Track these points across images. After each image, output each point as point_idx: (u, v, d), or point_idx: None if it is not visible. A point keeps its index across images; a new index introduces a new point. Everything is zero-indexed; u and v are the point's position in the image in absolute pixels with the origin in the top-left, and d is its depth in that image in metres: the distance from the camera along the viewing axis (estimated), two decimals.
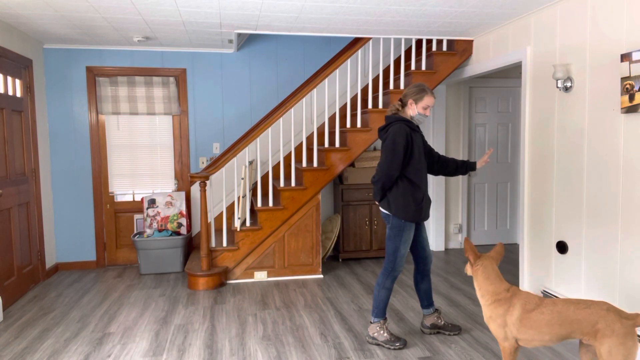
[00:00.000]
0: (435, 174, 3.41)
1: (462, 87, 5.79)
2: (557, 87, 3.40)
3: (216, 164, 4.55)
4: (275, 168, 5.58)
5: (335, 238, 5.18)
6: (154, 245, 4.91)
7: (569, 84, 3.34)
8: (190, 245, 5.39)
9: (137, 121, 5.28)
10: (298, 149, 5.62)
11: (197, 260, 4.76)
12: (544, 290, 3.63)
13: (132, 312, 3.87)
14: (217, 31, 4.39)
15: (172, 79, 5.28)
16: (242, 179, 4.49)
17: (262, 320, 3.66)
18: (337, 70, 4.60)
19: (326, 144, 4.78)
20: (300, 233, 4.71)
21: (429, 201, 3.17)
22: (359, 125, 4.70)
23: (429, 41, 5.55)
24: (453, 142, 5.84)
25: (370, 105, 4.74)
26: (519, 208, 4.71)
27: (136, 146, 5.31)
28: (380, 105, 4.71)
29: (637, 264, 2.85)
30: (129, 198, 5.33)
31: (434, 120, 5.68)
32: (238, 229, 4.55)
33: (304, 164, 4.66)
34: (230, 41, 4.82)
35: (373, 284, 4.56)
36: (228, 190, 5.47)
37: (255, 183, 5.56)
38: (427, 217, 3.17)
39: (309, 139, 5.62)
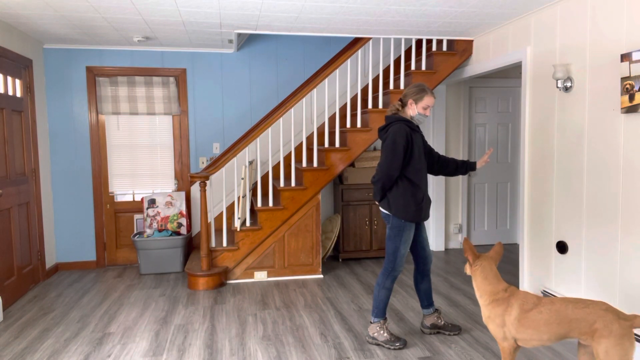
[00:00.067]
0: (435, 174, 3.41)
1: (462, 87, 5.79)
2: (557, 87, 3.40)
3: (216, 164, 4.56)
4: (275, 168, 5.58)
5: (335, 238, 5.18)
6: (154, 245, 4.91)
7: (569, 84, 3.34)
8: (190, 245, 5.40)
9: (137, 121, 5.28)
10: (298, 149, 5.62)
11: (197, 260, 4.76)
12: (544, 290, 3.63)
13: (132, 312, 3.87)
14: (217, 31, 4.39)
15: (172, 79, 5.28)
16: (242, 179, 4.49)
17: (262, 320, 3.66)
18: (337, 70, 4.60)
19: (326, 144, 4.78)
20: (300, 233, 4.71)
21: (429, 201, 3.17)
22: (359, 125, 4.70)
23: (429, 41, 5.55)
24: (453, 142, 5.84)
25: (370, 105, 4.74)
26: (519, 208, 4.71)
27: (136, 146, 5.31)
28: (380, 105, 4.72)
29: (637, 264, 2.85)
30: (129, 198, 5.33)
31: (434, 120, 5.68)
32: (238, 229, 4.55)
33: (304, 164, 4.66)
34: (230, 41, 4.83)
35: (373, 284, 4.56)
36: (228, 190, 5.47)
37: (255, 183, 5.56)
38: (427, 217, 3.17)
39: (309, 139, 5.62)
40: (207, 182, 4.53)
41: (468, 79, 5.46)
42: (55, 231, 5.13)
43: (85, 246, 5.22)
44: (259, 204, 4.65)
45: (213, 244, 4.62)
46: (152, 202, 5.13)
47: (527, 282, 3.89)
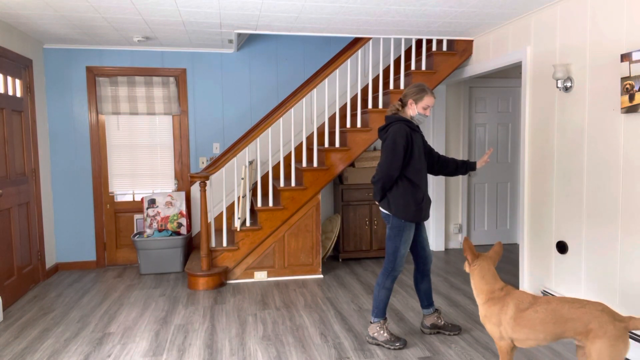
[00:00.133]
0: (436, 174, 3.41)
1: (462, 87, 5.79)
2: (557, 87, 3.40)
3: (216, 164, 4.56)
4: (275, 168, 5.58)
5: (335, 238, 5.18)
6: (154, 245, 4.91)
7: (569, 84, 3.34)
8: (190, 245, 5.40)
9: (137, 121, 5.28)
10: (298, 149, 5.62)
11: (197, 260, 4.76)
12: (544, 290, 3.63)
13: (132, 312, 3.87)
14: (217, 31, 4.39)
15: (172, 79, 5.28)
16: (242, 179, 4.49)
17: (262, 320, 3.66)
18: (337, 70, 4.60)
19: (326, 144, 4.78)
20: (300, 233, 4.71)
21: (429, 201, 3.17)
22: (359, 125, 4.70)
23: (429, 41, 5.55)
24: (453, 142, 5.84)
25: (370, 105, 4.74)
26: (519, 208, 4.71)
27: (136, 146, 5.31)
28: (380, 105, 4.72)
29: (637, 264, 2.85)
30: (129, 198, 5.33)
31: (434, 120, 5.68)
32: (238, 229, 4.55)
33: (304, 164, 4.66)
34: (230, 41, 4.83)
35: (373, 284, 4.56)
36: (228, 190, 5.47)
37: (255, 183, 5.56)
38: (427, 217, 3.17)
39: (309, 139, 5.62)
40: (207, 182, 4.53)
41: (468, 79, 5.46)
42: (55, 231, 5.13)
43: (85, 246, 5.22)
44: (259, 204, 4.65)
45: (213, 244, 4.62)
46: (152, 202, 5.13)
47: (527, 282, 3.89)
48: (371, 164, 5.31)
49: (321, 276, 4.80)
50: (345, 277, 4.78)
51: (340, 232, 5.32)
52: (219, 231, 5.34)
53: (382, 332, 3.16)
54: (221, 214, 5.46)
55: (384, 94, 4.92)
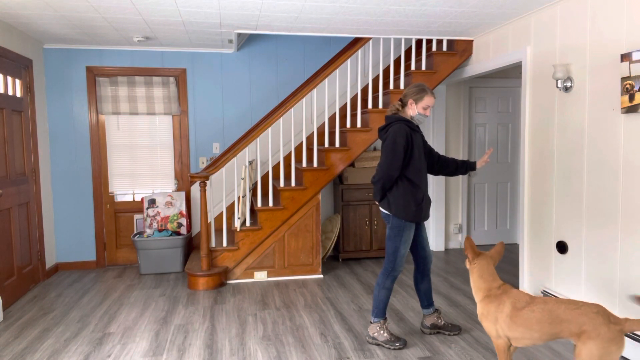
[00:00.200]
0: (436, 174, 3.41)
1: (462, 87, 5.79)
2: (557, 87, 3.40)
3: (216, 164, 4.56)
4: (275, 168, 5.58)
5: (335, 238, 5.18)
6: (154, 245, 4.91)
7: (569, 84, 3.34)
8: (190, 245, 5.40)
9: (137, 121, 5.28)
10: (298, 149, 5.62)
11: (197, 260, 4.76)
12: (544, 290, 3.63)
13: (132, 312, 3.87)
14: (217, 31, 4.39)
15: (172, 79, 5.28)
16: (242, 179, 4.49)
17: (262, 320, 3.66)
18: (337, 70, 4.60)
19: (326, 144, 4.78)
20: (300, 233, 4.71)
21: (429, 201, 3.17)
22: (359, 125, 4.70)
23: (429, 41, 5.55)
24: (453, 142, 5.84)
25: (370, 105, 4.74)
26: (519, 208, 4.71)
27: (136, 146, 5.31)
28: (380, 105, 4.72)
29: (637, 264, 2.85)
30: (129, 198, 5.33)
31: (434, 120, 5.68)
32: (238, 229, 4.55)
33: (304, 164, 4.66)
34: (230, 41, 4.83)
35: (373, 284, 4.56)
36: (228, 190, 5.47)
37: (255, 183, 5.56)
38: (427, 217, 3.17)
39: (309, 139, 5.62)
40: (207, 182, 4.53)
41: (468, 79, 5.46)
42: (55, 231, 5.13)
43: (85, 246, 5.22)
44: (259, 204, 4.65)
45: (213, 244, 4.62)
46: (152, 202, 5.13)
47: (527, 282, 3.89)
48: (371, 164, 5.31)
49: (321, 276, 4.80)
50: (345, 277, 4.78)
51: (340, 232, 5.32)
52: (219, 231, 5.34)
53: (382, 332, 3.16)
54: (221, 214, 5.46)
55: (384, 94, 4.92)
